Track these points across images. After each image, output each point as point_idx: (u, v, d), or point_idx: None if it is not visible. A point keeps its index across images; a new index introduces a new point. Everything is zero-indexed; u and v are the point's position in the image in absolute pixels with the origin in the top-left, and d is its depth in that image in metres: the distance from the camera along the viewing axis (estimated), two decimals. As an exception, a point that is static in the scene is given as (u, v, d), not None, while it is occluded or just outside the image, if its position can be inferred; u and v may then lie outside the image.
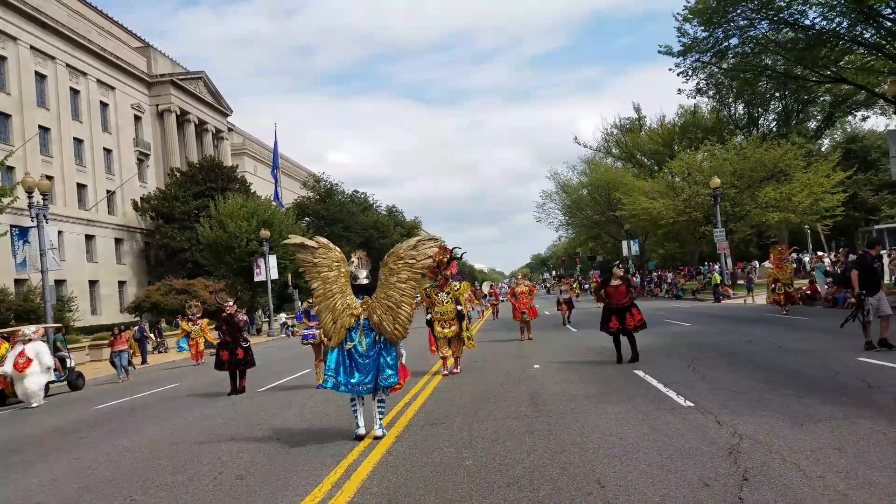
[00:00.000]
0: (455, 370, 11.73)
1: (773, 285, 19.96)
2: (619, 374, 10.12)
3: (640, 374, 9.88)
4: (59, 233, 43.92)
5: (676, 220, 40.72)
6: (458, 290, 12.08)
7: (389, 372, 7.11)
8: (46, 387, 15.19)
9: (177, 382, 15.85)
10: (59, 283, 42.12)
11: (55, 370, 18.85)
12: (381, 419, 7.11)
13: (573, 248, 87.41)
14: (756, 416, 6.60)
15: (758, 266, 52.67)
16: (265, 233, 35.79)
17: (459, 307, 11.91)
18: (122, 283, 50.70)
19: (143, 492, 5.79)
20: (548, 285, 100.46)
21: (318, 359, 11.39)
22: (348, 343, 7.01)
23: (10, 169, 35.46)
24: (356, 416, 7.10)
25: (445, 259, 11.99)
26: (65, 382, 17.79)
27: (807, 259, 38.24)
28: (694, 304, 32.15)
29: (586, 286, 48.85)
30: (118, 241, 50.80)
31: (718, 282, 33.08)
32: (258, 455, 6.78)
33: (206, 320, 21.28)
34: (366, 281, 7.34)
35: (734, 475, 4.79)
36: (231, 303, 12.12)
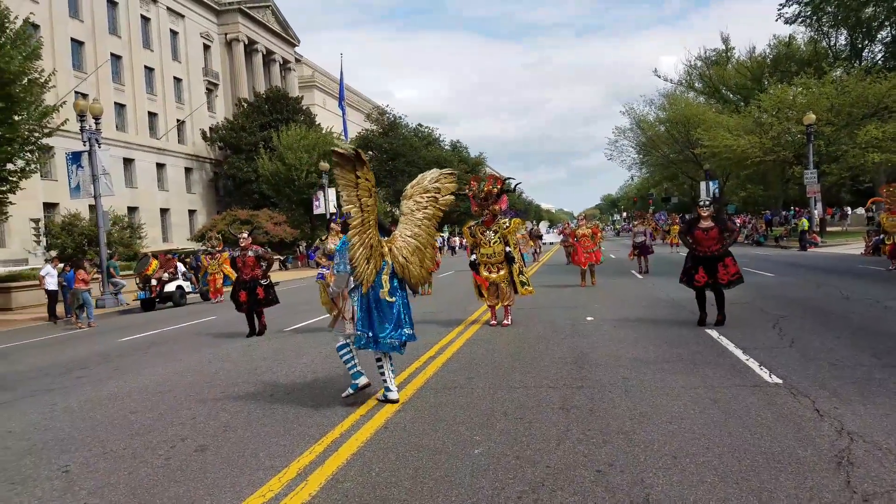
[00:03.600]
0: (505, 321, 10.26)
1: (881, 235, 17.28)
2: (687, 334, 8.52)
3: (714, 335, 8.28)
4: (131, 160, 44.84)
5: (763, 159, 37.44)
6: (506, 227, 10.42)
7: (408, 330, 5.89)
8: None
9: (213, 315, 15.19)
10: (132, 209, 43.05)
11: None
12: (392, 380, 5.89)
13: (646, 188, 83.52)
14: (868, 405, 5.01)
15: (850, 212, 48.58)
16: (324, 165, 34.93)
17: (508, 248, 10.32)
18: (192, 212, 51.51)
19: (84, 461, 4.79)
20: (617, 227, 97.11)
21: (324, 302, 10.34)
22: (384, 288, 5.70)
23: (84, 96, 35.62)
24: (353, 366, 5.91)
25: (496, 190, 10.39)
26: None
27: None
28: (777, 251, 29.49)
29: (662, 224, 44.02)
30: (188, 171, 51.34)
31: (806, 228, 30.22)
32: (237, 417, 5.69)
33: (226, 254, 19.48)
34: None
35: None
36: (246, 234, 10.98)
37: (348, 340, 5.86)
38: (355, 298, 5.70)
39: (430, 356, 7.85)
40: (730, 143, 38.14)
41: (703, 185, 48.11)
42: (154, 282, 19.38)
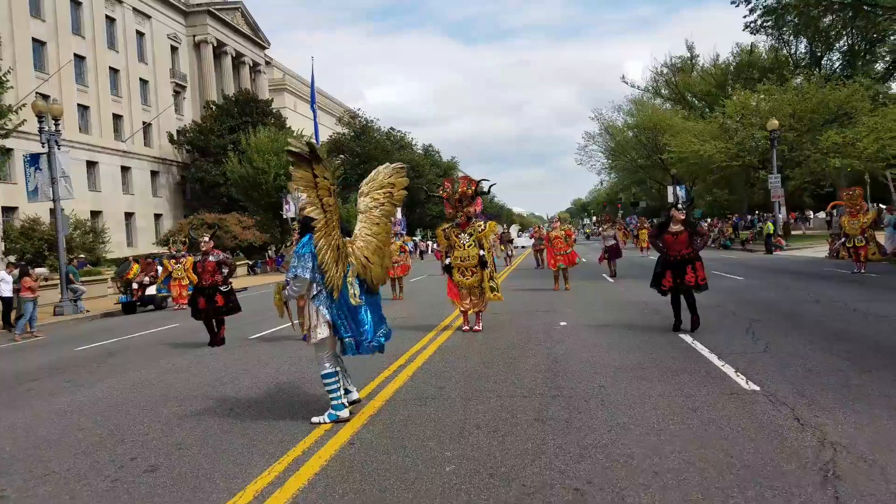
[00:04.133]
0: (477, 326, 10.01)
1: (843, 238, 17.47)
2: (661, 339, 8.38)
3: (688, 340, 8.16)
4: (95, 163, 43.72)
5: (729, 164, 37.91)
6: (482, 230, 10.15)
7: (385, 328, 5.75)
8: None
9: (175, 323, 14.69)
10: (95, 213, 41.95)
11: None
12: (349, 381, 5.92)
13: (615, 193, 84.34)
14: (848, 412, 4.88)
15: (812, 215, 49.42)
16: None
17: (482, 252, 10.03)
18: (157, 216, 50.44)
19: (24, 483, 4.43)
20: (587, 231, 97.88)
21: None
22: (349, 291, 5.37)
23: (46, 97, 34.61)
24: (338, 396, 5.43)
25: (470, 192, 10.14)
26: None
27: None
28: (744, 255, 29.79)
29: (632, 228, 44.15)
30: (154, 174, 50.28)
31: (772, 231, 30.61)
32: (192, 433, 5.35)
33: (190, 258, 18.92)
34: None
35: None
36: (207, 238, 10.53)
37: (336, 369, 5.42)
38: (322, 305, 5.34)
39: (401, 364, 7.58)
40: (696, 149, 38.59)
41: (670, 189, 48.62)
42: (135, 285, 19.80)
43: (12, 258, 25.95)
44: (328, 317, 5.32)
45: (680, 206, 9.31)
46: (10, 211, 35.34)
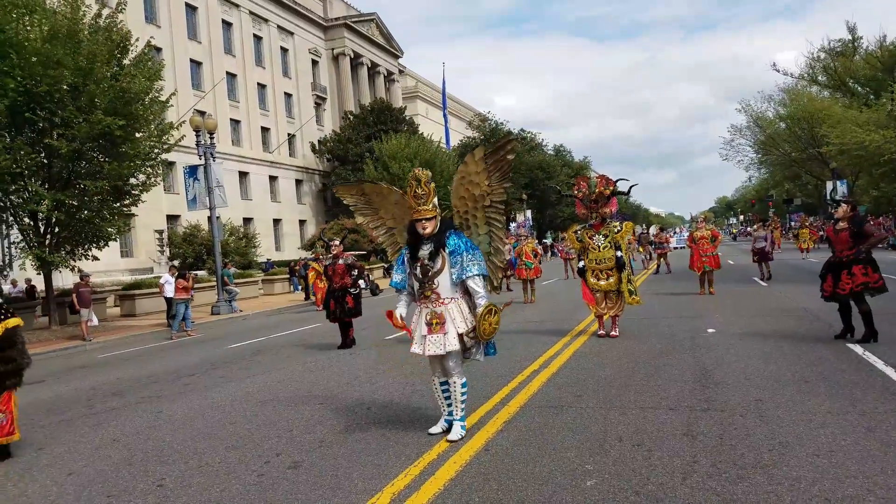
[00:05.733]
0: (613, 332, 9.57)
1: None
2: (825, 350, 7.54)
3: (859, 351, 7.30)
4: (246, 174, 47.05)
5: (901, 154, 34.19)
6: (618, 232, 9.70)
7: None
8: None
9: (318, 323, 15.35)
10: (247, 220, 45.10)
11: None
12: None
13: (765, 189, 78.66)
14: None
15: None
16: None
17: (619, 253, 9.54)
18: (302, 222, 53.38)
19: (180, 474, 4.70)
20: (734, 231, 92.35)
21: None
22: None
23: (202, 113, 37.76)
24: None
25: (607, 192, 9.75)
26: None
27: None
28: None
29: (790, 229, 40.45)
30: (298, 182, 53.27)
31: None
32: (333, 431, 5.46)
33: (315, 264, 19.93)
34: None
35: None
36: (337, 242, 10.82)
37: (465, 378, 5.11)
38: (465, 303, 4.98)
39: (534, 370, 7.37)
40: (861, 139, 35.10)
41: (829, 184, 44.65)
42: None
43: (176, 262, 28.42)
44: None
45: (839, 197, 8.28)
46: (174, 219, 38.76)
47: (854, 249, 7.73)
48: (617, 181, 9.95)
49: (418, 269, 4.96)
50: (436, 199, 4.95)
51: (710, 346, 8.29)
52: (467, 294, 4.94)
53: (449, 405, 5.13)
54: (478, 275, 4.83)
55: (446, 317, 4.87)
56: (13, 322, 5.58)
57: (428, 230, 4.89)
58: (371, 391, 7.01)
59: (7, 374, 5.49)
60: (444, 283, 4.90)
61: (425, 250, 4.93)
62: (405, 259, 5.12)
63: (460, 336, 4.87)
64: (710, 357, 7.53)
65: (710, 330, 9.59)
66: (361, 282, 19.95)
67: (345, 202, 5.84)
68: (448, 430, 5.04)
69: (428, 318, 4.94)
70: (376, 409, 6.13)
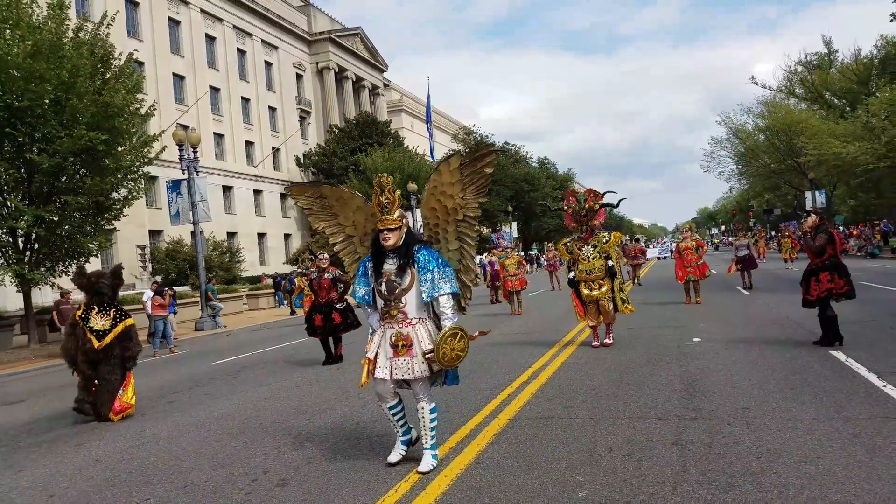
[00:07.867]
0: (607, 340, 9.70)
1: None
2: (809, 356, 7.63)
3: (841, 357, 7.38)
4: (230, 188, 46.80)
5: (876, 165, 34.69)
6: (606, 242, 9.80)
7: None
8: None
9: (305, 337, 15.23)
10: (231, 234, 44.83)
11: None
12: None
13: (746, 200, 79.56)
14: None
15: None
16: (412, 186, 35.12)
17: (611, 263, 9.71)
18: (287, 236, 53.17)
19: (165, 495, 4.62)
20: (716, 241, 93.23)
21: None
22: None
23: (185, 127, 37.60)
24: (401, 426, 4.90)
25: (596, 206, 9.87)
26: None
27: None
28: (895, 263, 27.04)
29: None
30: (283, 196, 53.03)
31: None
32: (321, 447, 5.42)
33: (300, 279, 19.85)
34: None
35: None
36: (326, 255, 10.67)
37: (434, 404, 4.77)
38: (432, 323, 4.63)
39: (523, 381, 7.38)
40: (838, 150, 35.65)
41: (808, 194, 45.16)
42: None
43: (159, 278, 28.16)
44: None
45: (809, 208, 8.57)
46: (156, 234, 38.44)
47: (823, 257, 8.02)
48: (604, 193, 10.06)
49: (384, 285, 4.53)
50: (401, 209, 4.61)
51: (696, 354, 8.36)
52: (436, 315, 4.58)
53: (402, 426, 4.80)
54: (450, 293, 4.46)
55: (413, 338, 4.47)
56: (130, 321, 7.68)
57: (390, 241, 4.46)
58: (360, 406, 6.96)
59: (129, 358, 7.67)
60: (411, 301, 4.49)
61: (391, 264, 4.50)
62: (367, 272, 4.70)
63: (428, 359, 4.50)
64: (697, 366, 7.58)
65: (695, 339, 9.66)
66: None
67: (299, 205, 5.40)
68: (407, 457, 4.76)
69: (393, 339, 4.50)
70: (365, 425, 6.08)
